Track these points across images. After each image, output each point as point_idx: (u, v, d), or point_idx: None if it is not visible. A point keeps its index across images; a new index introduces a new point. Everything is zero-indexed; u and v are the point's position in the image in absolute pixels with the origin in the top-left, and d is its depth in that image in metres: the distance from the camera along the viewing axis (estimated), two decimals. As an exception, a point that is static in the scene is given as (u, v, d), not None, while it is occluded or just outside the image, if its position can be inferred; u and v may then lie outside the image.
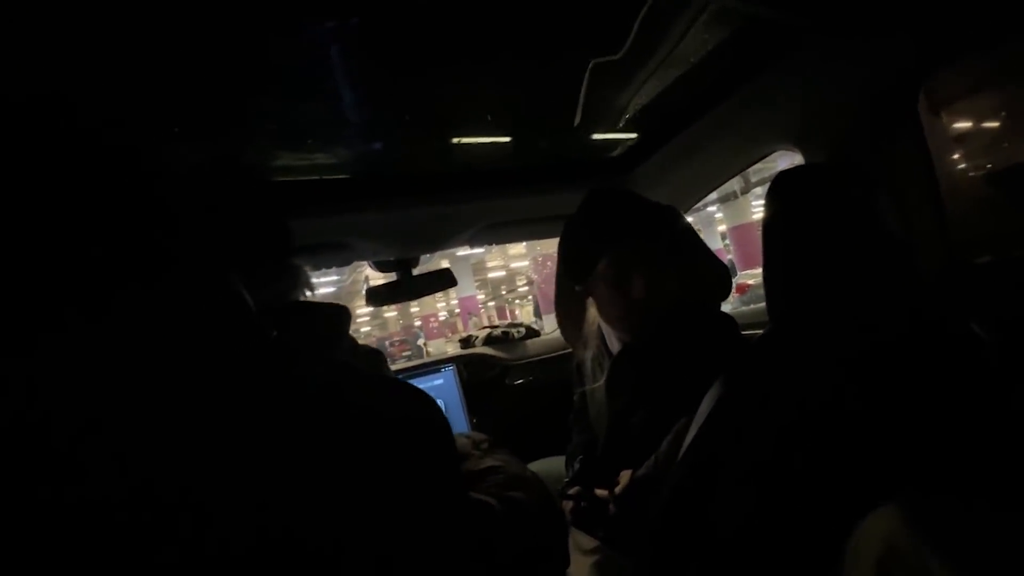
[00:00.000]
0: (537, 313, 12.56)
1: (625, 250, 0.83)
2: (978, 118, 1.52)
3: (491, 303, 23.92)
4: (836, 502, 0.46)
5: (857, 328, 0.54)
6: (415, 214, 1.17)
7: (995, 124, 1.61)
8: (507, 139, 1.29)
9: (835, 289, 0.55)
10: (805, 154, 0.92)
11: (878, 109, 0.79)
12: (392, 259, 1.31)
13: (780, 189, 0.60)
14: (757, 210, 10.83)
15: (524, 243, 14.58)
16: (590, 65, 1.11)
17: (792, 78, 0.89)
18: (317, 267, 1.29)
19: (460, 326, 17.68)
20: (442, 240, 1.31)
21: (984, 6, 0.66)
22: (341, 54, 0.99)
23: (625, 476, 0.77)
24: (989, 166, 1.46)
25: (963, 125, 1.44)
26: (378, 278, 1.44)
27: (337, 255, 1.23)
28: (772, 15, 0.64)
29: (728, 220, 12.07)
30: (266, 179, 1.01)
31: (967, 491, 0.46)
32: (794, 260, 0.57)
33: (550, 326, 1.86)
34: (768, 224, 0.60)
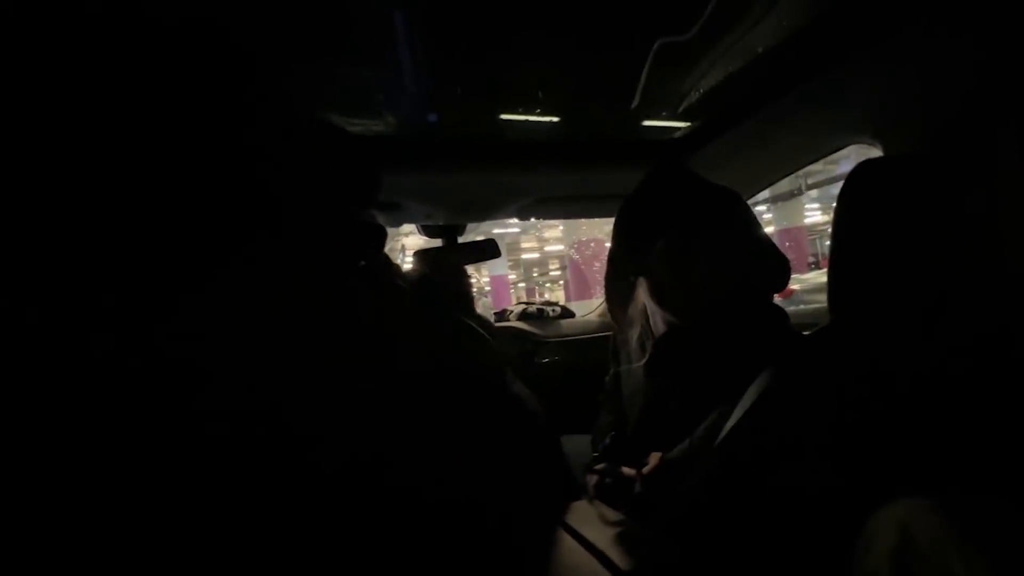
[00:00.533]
0: (567, 298, 12.50)
1: (688, 231, 0.82)
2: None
3: (521, 284, 23.95)
4: (866, 491, 0.46)
5: (920, 334, 0.52)
6: (466, 180, 1.19)
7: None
8: (556, 119, 1.28)
9: (906, 289, 0.53)
10: (885, 148, 0.87)
11: (975, 103, 0.74)
12: (440, 224, 1.34)
13: (861, 178, 0.57)
14: (810, 214, 10.33)
15: (561, 227, 14.45)
16: (656, 46, 1.08)
17: (875, 69, 0.84)
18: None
19: (489, 303, 17.84)
20: (491, 209, 1.33)
21: None
22: (399, 22, 1.01)
23: (655, 457, 0.78)
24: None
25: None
26: (414, 247, 1.48)
27: (389, 215, 1.26)
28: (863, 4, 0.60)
29: (777, 222, 11.56)
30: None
31: (994, 490, 0.44)
32: (866, 255, 0.55)
33: (579, 312, 1.87)
34: (842, 215, 0.57)
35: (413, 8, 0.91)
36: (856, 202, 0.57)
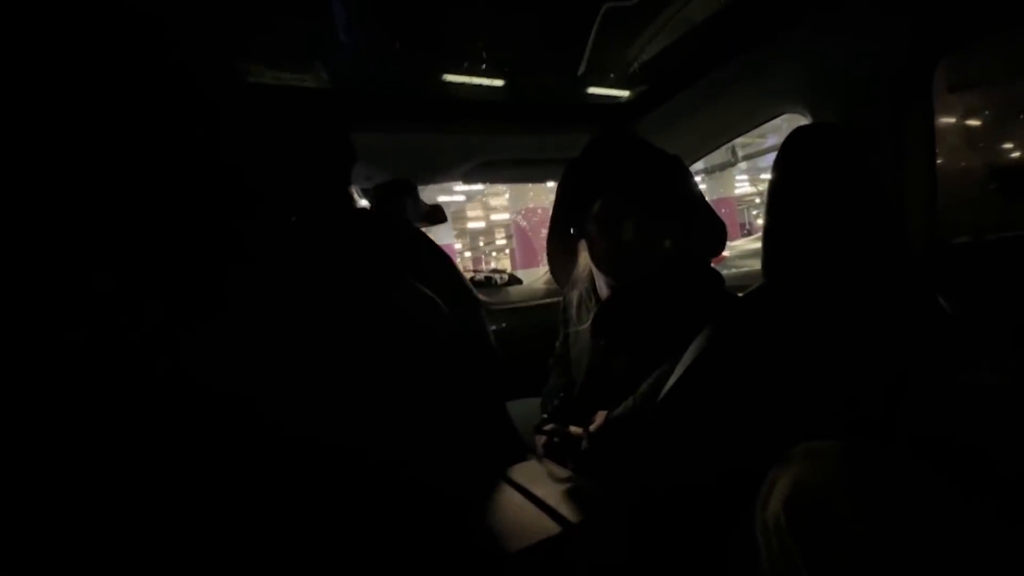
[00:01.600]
0: (514, 267, 12.58)
1: (619, 192, 0.83)
2: (982, 108, 1.55)
3: (468, 254, 23.78)
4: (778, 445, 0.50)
5: (843, 289, 0.57)
6: (408, 141, 1.13)
7: (995, 118, 1.63)
8: (501, 82, 1.24)
9: (832, 250, 0.57)
10: (816, 119, 0.92)
11: (892, 81, 0.80)
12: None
13: (796, 143, 0.60)
14: (740, 184, 10.92)
15: (506, 196, 14.33)
16: (603, 10, 1.06)
17: (810, 42, 0.88)
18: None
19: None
20: (436, 172, 1.28)
21: None
22: None
23: (600, 416, 0.81)
24: (983, 156, 1.50)
25: (969, 112, 1.46)
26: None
27: None
28: None
29: (710, 192, 12.14)
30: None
31: (890, 439, 0.49)
32: (800, 216, 0.59)
33: (527, 280, 1.88)
34: (779, 178, 0.60)
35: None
36: (791, 165, 0.60)
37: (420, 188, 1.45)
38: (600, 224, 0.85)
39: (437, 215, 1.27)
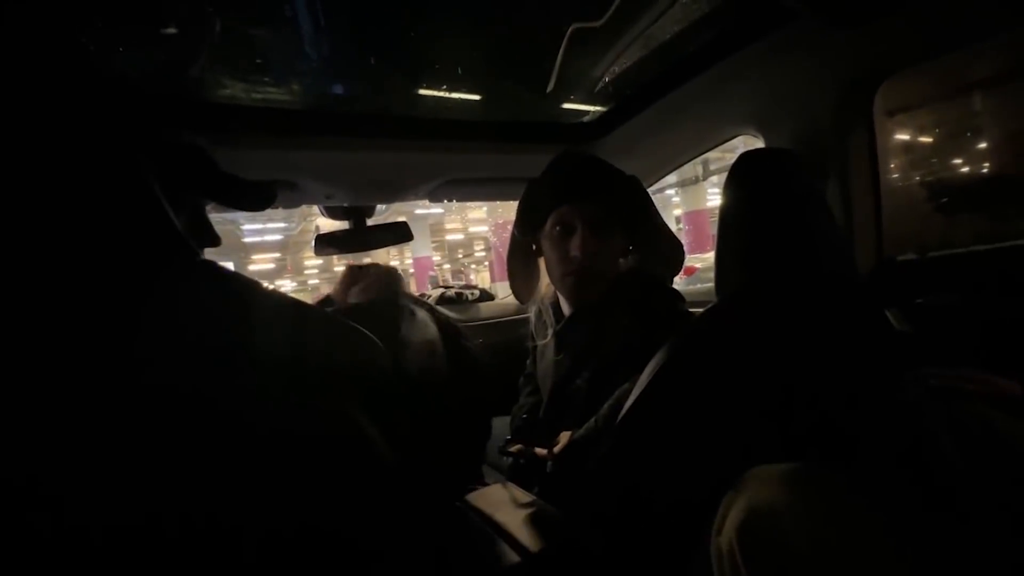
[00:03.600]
0: (492, 279, 12.58)
1: (571, 210, 0.84)
2: (921, 131, 1.63)
3: (447, 266, 23.67)
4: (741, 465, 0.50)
5: (796, 308, 0.58)
6: (373, 159, 1.11)
7: (932, 139, 1.74)
8: (476, 97, 1.25)
9: (783, 268, 0.58)
10: (767, 141, 0.96)
11: (836, 105, 0.83)
12: (345, 205, 1.25)
13: (743, 168, 0.62)
14: (712, 198, 11.23)
15: (485, 208, 14.37)
16: (569, 30, 1.08)
17: (762, 65, 0.91)
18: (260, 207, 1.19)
19: (413, 286, 17.44)
20: (400, 190, 1.26)
21: (939, 21, 0.70)
22: None
23: (564, 437, 0.80)
24: (921, 175, 1.58)
25: (908, 134, 1.54)
26: (331, 228, 1.38)
27: (285, 195, 1.15)
28: None
29: (684, 205, 12.45)
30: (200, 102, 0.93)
31: (841, 461, 0.50)
32: (748, 237, 0.60)
33: (503, 292, 1.87)
34: (728, 202, 0.62)
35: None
36: (737, 189, 0.61)
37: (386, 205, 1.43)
38: (552, 241, 0.86)
39: (401, 233, 1.25)
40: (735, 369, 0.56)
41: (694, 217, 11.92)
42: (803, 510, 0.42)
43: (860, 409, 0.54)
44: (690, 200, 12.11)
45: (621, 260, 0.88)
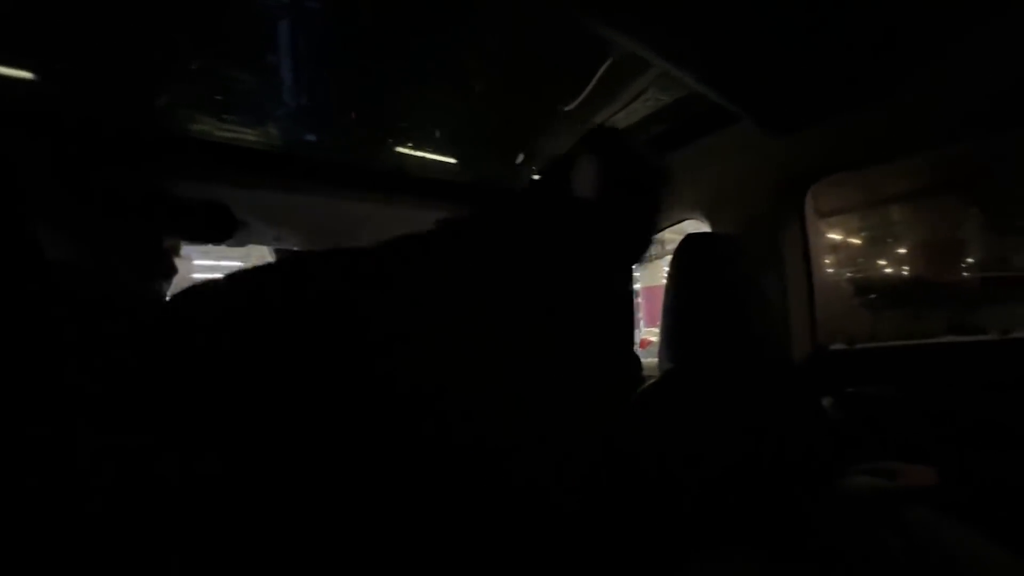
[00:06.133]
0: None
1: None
2: (850, 233, 1.81)
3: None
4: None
5: (731, 385, 0.59)
6: (329, 207, 1.09)
7: (859, 241, 1.92)
8: (453, 160, 1.30)
9: (720, 345, 0.60)
10: (712, 226, 1.03)
11: (773, 201, 0.91)
12: (293, 249, 1.21)
13: (685, 249, 0.66)
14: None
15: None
16: (542, 110, 1.17)
17: (708, 158, 1.00)
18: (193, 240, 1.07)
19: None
20: (351, 240, 1.23)
21: (863, 132, 0.80)
22: (314, 39, 0.96)
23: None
24: (850, 272, 1.73)
25: (839, 235, 1.71)
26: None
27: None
28: (708, 93, 0.72)
29: (641, 280, 13.00)
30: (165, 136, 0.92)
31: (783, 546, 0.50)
32: (687, 318, 0.62)
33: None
34: (670, 282, 0.65)
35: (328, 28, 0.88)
36: (679, 270, 0.65)
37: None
38: None
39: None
40: (675, 441, 0.56)
41: (651, 292, 12.44)
42: None
43: (798, 497, 0.55)
44: (647, 276, 12.70)
45: None
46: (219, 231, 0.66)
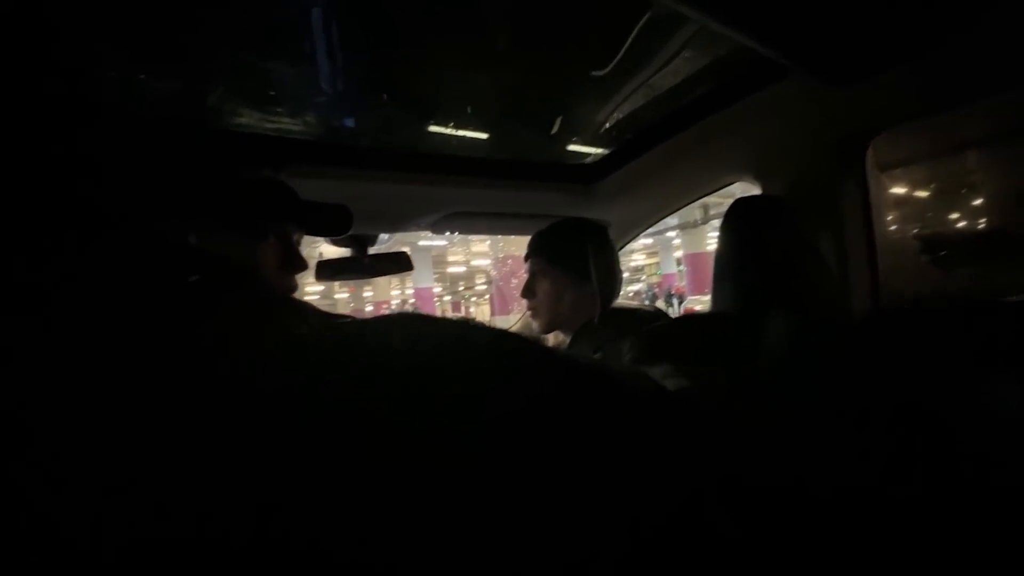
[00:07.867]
0: (492, 313, 12.59)
1: (533, 261, 1.08)
2: (913, 186, 1.68)
3: (447, 297, 23.71)
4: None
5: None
6: (377, 189, 1.14)
7: (927, 193, 1.78)
8: (483, 135, 1.29)
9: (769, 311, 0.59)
10: (763, 188, 0.98)
11: (829, 158, 0.86)
12: (348, 234, 1.27)
13: (735, 213, 0.64)
14: (711, 241, 11.40)
15: (488, 241, 14.54)
16: (578, 77, 1.14)
17: (756, 117, 0.95)
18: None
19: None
20: (403, 220, 1.28)
21: (930, 79, 0.73)
22: (333, 24, 0.97)
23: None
24: (916, 230, 1.61)
25: (901, 189, 1.58)
26: (333, 255, 1.39)
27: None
28: (756, 47, 0.68)
29: (685, 247, 12.62)
30: (217, 130, 0.97)
31: None
32: (739, 281, 0.61)
33: (504, 327, 1.87)
34: (721, 246, 0.63)
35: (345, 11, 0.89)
36: (731, 232, 0.63)
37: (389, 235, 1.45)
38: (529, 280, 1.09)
39: (402, 263, 1.26)
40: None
41: (694, 259, 12.06)
42: None
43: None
44: (690, 243, 12.30)
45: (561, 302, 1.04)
46: (342, 226, 0.78)
